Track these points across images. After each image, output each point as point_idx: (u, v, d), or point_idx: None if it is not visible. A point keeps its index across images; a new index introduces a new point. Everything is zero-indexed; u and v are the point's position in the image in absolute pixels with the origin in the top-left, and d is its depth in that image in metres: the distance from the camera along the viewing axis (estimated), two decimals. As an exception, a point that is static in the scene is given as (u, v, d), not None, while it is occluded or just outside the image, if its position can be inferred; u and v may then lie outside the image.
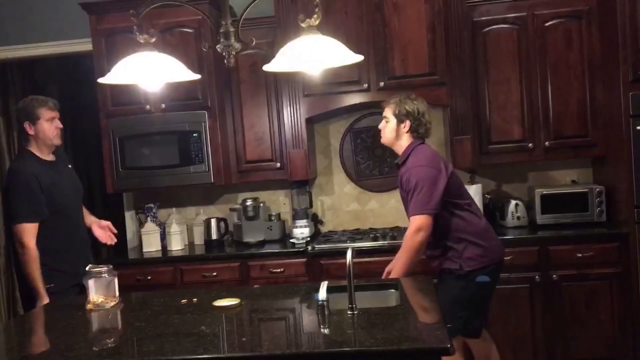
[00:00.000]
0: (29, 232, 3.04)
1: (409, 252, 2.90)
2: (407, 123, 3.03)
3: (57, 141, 3.24)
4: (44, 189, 3.10)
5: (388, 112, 3.08)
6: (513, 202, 3.90)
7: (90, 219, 3.44)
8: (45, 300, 3.02)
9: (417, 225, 2.87)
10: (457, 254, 2.95)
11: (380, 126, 3.15)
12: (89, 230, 3.41)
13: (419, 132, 3.04)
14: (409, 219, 2.96)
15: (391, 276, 2.93)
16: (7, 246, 4.49)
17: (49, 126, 3.16)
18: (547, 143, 3.82)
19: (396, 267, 2.95)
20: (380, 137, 3.17)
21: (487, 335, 3.21)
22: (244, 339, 2.15)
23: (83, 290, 2.98)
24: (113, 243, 3.42)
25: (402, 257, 2.93)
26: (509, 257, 3.56)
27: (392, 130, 3.07)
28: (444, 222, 2.95)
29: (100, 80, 2.39)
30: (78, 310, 2.56)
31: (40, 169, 3.13)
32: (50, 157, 3.24)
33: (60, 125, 3.24)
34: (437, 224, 2.92)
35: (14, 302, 4.75)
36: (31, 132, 3.16)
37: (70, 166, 3.41)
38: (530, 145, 3.83)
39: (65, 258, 3.17)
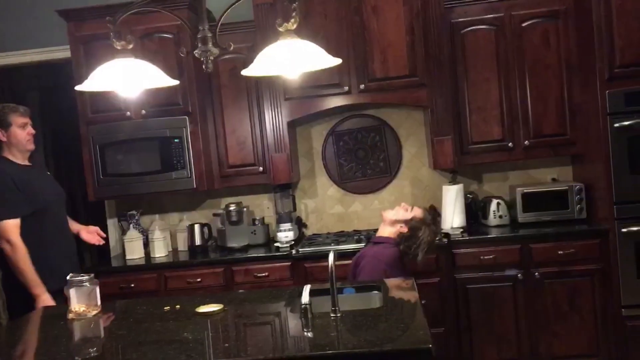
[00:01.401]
0: (12, 228, 3.06)
1: None
2: (405, 230, 3.00)
3: (31, 146, 3.27)
4: (20, 188, 3.12)
5: (417, 211, 3.07)
6: (495, 201, 3.94)
7: (76, 226, 3.46)
8: (44, 295, 3.05)
9: None
10: None
11: (405, 206, 3.12)
12: (76, 237, 3.44)
13: (400, 243, 3.00)
14: None
15: None
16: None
17: (21, 132, 3.20)
18: (526, 142, 3.86)
19: None
20: None
21: None
22: (227, 344, 2.14)
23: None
24: (101, 243, 3.48)
25: None
26: (491, 256, 3.61)
27: (397, 217, 3.05)
28: None
29: (78, 87, 2.37)
30: (59, 320, 2.53)
31: (14, 171, 3.17)
32: (26, 162, 3.27)
33: (32, 131, 3.26)
34: None
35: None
36: (4, 138, 3.20)
37: (49, 173, 3.41)
38: (510, 144, 3.87)
39: (51, 260, 3.18)
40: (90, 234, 3.44)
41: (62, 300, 3.00)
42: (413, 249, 2.98)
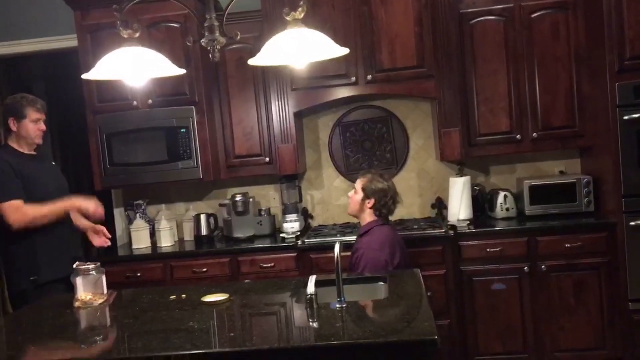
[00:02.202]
0: (14, 207, 3.02)
1: None
2: (372, 201, 3.02)
3: (39, 140, 3.26)
4: (17, 176, 3.09)
5: (358, 185, 3.08)
6: (502, 194, 3.92)
7: (84, 222, 3.40)
8: (69, 203, 3.12)
9: None
10: None
11: (349, 194, 3.14)
12: (84, 234, 3.40)
13: (381, 212, 3.03)
14: None
15: None
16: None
17: (32, 126, 3.20)
18: (534, 134, 3.83)
19: None
20: (348, 206, 3.15)
21: None
22: (232, 334, 2.14)
23: (70, 286, 2.98)
24: (107, 245, 3.39)
25: None
26: (497, 249, 3.60)
27: (357, 203, 3.07)
28: None
29: (84, 76, 2.37)
30: (66, 308, 2.54)
31: (15, 159, 3.14)
32: (30, 152, 3.25)
33: (44, 127, 3.25)
34: None
35: (2, 302, 4.71)
36: (14, 128, 3.19)
37: (54, 163, 3.39)
38: (518, 136, 3.85)
39: (48, 250, 3.15)
40: (97, 235, 3.36)
41: (61, 290, 3.04)
42: (392, 204, 3.03)
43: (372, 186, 3.03)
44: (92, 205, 3.18)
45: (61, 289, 3.05)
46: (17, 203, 3.03)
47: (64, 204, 3.13)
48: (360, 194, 3.05)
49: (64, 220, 3.27)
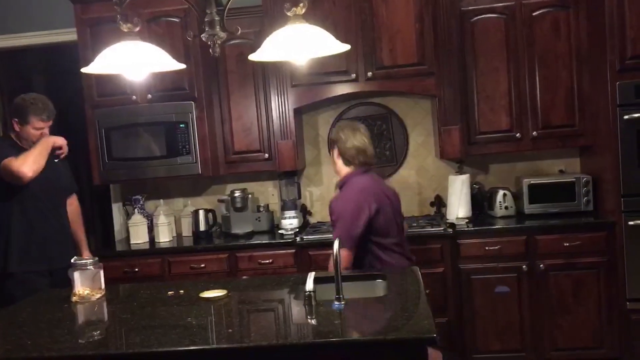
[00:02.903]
0: (10, 160, 3.04)
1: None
2: (335, 151, 2.95)
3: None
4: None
5: (331, 142, 3.03)
6: (501, 192, 3.92)
7: (80, 237, 3.48)
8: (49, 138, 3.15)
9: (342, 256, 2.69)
10: None
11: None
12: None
13: (351, 162, 2.91)
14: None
15: None
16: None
17: (34, 132, 3.18)
18: (534, 133, 3.83)
19: None
20: None
21: None
22: (230, 330, 2.14)
23: (56, 282, 2.97)
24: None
25: None
26: (496, 247, 3.60)
27: (332, 162, 3.02)
28: (360, 257, 2.86)
29: (84, 69, 2.36)
30: (63, 303, 2.53)
31: (13, 151, 3.12)
32: (28, 147, 3.22)
33: (47, 134, 3.23)
34: (356, 257, 2.84)
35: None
36: (17, 128, 3.21)
37: (56, 160, 3.30)
38: (518, 135, 3.84)
39: (33, 244, 3.16)
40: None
41: (40, 284, 3.07)
42: (346, 151, 2.90)
43: (332, 136, 2.99)
44: (60, 140, 3.26)
45: (45, 281, 3.06)
46: (11, 158, 3.06)
47: (42, 144, 3.13)
48: (332, 151, 2.99)
49: (57, 219, 3.27)
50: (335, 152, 2.96)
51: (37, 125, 3.17)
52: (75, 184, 3.57)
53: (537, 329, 3.63)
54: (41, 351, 1.97)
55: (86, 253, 3.43)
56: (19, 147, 3.19)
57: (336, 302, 2.21)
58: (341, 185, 2.97)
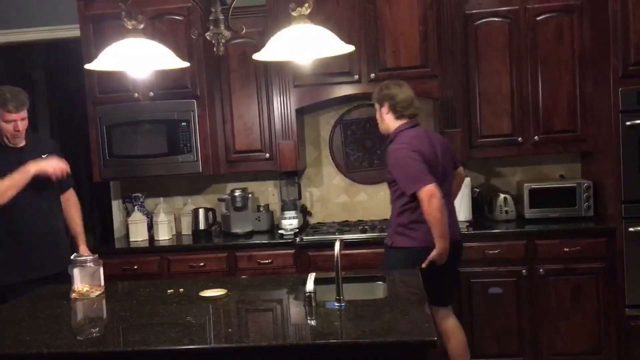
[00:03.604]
0: None
1: (435, 224, 2.93)
2: (385, 106, 3.13)
3: (15, 141, 3.07)
4: None
5: (373, 102, 3.22)
6: (501, 196, 3.92)
7: (78, 231, 3.33)
8: (30, 166, 2.96)
9: (425, 196, 2.91)
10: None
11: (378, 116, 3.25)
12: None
13: (398, 111, 3.11)
14: (392, 202, 3.14)
15: (435, 250, 2.94)
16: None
17: (5, 126, 3.01)
18: (536, 137, 3.82)
19: (435, 238, 2.94)
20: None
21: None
22: (230, 329, 2.13)
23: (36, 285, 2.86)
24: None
25: (435, 232, 2.95)
26: (496, 251, 3.59)
27: (379, 118, 3.21)
28: (397, 200, 3.09)
29: (88, 66, 2.36)
30: (62, 300, 2.53)
31: None
32: (15, 145, 3.08)
33: (19, 129, 3.02)
34: (394, 200, 3.11)
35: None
36: None
37: (44, 156, 3.12)
38: (519, 139, 3.84)
39: (15, 251, 3.01)
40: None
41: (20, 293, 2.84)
42: (400, 102, 3.10)
43: (379, 94, 3.15)
44: (49, 166, 3.02)
45: (34, 287, 2.84)
46: None
47: (20, 173, 2.94)
48: (377, 109, 3.18)
49: (44, 220, 3.12)
50: (385, 108, 3.13)
51: (6, 118, 2.98)
52: (72, 180, 3.37)
53: (536, 333, 3.62)
54: (40, 347, 1.96)
55: (83, 247, 3.28)
56: (2, 147, 3.05)
57: (336, 303, 2.21)
58: (392, 138, 3.13)
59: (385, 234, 3.26)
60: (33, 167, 2.98)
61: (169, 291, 2.56)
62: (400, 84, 3.18)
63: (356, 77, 3.77)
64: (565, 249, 3.57)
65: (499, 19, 3.80)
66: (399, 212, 3.09)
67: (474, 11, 3.82)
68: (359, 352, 1.90)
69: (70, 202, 3.36)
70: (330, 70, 3.64)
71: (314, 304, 2.19)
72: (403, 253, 3.05)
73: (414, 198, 2.98)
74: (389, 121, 3.15)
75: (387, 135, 3.22)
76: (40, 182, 3.03)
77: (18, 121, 3.01)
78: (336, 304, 2.21)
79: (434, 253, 2.95)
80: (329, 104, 4.13)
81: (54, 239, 3.17)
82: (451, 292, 3.26)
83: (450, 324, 3.23)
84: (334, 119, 4.26)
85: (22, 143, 3.12)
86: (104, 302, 2.52)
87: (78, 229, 3.35)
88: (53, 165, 3.04)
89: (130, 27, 2.23)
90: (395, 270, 2.75)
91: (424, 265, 2.92)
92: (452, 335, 3.21)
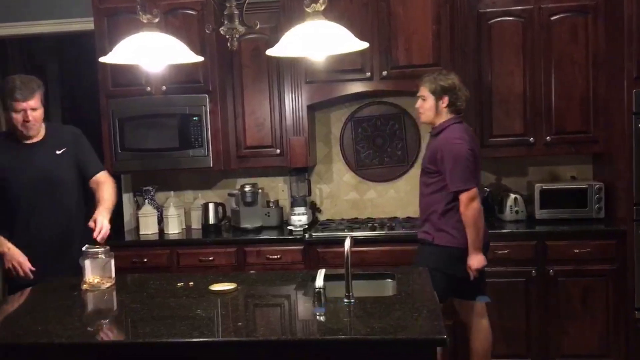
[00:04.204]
0: None
1: (471, 226, 2.99)
2: (446, 99, 3.09)
3: (28, 132, 2.93)
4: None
5: (425, 91, 3.13)
6: (512, 196, 3.90)
7: (101, 204, 2.97)
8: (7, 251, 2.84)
9: (466, 198, 2.98)
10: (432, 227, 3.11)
11: (418, 105, 3.19)
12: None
13: (457, 106, 3.11)
14: (428, 194, 3.12)
15: (471, 251, 3.01)
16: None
17: (15, 116, 2.88)
18: (548, 138, 3.81)
19: (470, 241, 3.00)
20: (419, 116, 3.23)
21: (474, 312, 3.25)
22: (239, 323, 2.14)
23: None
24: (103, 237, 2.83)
25: (469, 234, 3.00)
26: (505, 251, 3.58)
27: (431, 108, 3.13)
28: (438, 193, 3.07)
29: (102, 59, 2.37)
30: (73, 291, 2.55)
31: (3, 150, 2.93)
32: (27, 140, 2.96)
33: (29, 118, 2.88)
34: (433, 193, 3.08)
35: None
36: (6, 116, 2.98)
37: (58, 152, 3.00)
38: (531, 139, 3.82)
39: (30, 256, 2.89)
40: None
41: None
42: (462, 96, 3.12)
43: (439, 85, 3.09)
44: (7, 262, 2.89)
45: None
46: None
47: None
48: (431, 98, 3.10)
49: (49, 223, 2.96)
50: (446, 99, 3.08)
51: (15, 107, 2.85)
52: (95, 166, 3.15)
53: (544, 334, 3.61)
54: (51, 337, 1.98)
55: (101, 209, 2.92)
56: (13, 144, 2.93)
57: (345, 300, 2.21)
58: (439, 131, 3.10)
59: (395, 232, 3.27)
60: (12, 260, 2.86)
61: (179, 284, 2.58)
62: (453, 76, 3.15)
63: (368, 74, 3.76)
64: (575, 250, 3.56)
65: (513, 18, 3.79)
66: (444, 209, 3.06)
67: (487, 10, 3.80)
68: (368, 349, 1.90)
69: (100, 183, 3.09)
70: (343, 67, 3.63)
71: (323, 300, 2.19)
72: (445, 251, 3.06)
73: (455, 196, 3.00)
74: (442, 113, 3.11)
75: (431, 125, 3.19)
76: (44, 181, 2.93)
77: (28, 110, 2.87)
78: (345, 301, 2.21)
79: (470, 262, 3.03)
80: (340, 100, 4.13)
81: (66, 237, 2.98)
82: (485, 283, 3.25)
83: (483, 324, 3.23)
84: (345, 115, 4.26)
85: (39, 135, 2.99)
86: (114, 294, 2.54)
87: (101, 201, 3.00)
88: (11, 261, 2.88)
89: (145, 21, 2.24)
90: (432, 266, 2.81)
91: (472, 278, 3.03)
92: (481, 335, 3.22)
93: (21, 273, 2.89)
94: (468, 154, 3.00)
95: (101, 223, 2.81)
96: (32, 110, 2.89)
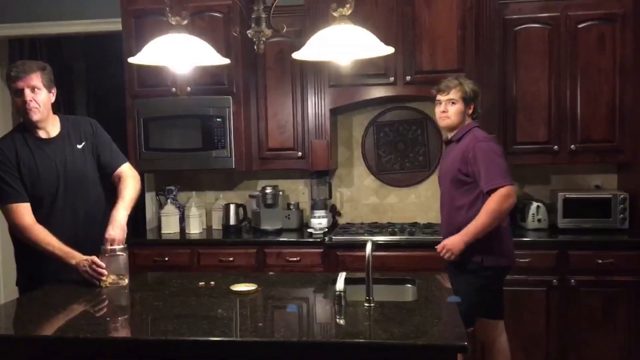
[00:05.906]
0: (18, 211, 2.64)
1: (492, 215, 2.84)
2: (473, 105, 3.08)
3: (31, 117, 2.67)
4: (23, 172, 2.69)
5: (456, 95, 3.04)
6: (534, 204, 3.87)
7: (120, 199, 2.79)
8: (78, 260, 2.59)
9: (506, 192, 2.85)
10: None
11: (443, 109, 3.08)
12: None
13: (478, 113, 3.13)
14: (458, 208, 2.99)
15: (462, 234, 2.91)
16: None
17: (17, 100, 2.68)
18: (572, 146, 3.77)
19: (470, 226, 2.89)
20: (443, 120, 3.10)
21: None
22: (259, 324, 2.16)
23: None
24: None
25: (481, 218, 2.86)
26: (527, 260, 3.55)
27: (460, 112, 3.06)
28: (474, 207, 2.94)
29: (131, 60, 2.40)
30: (95, 287, 2.56)
31: (22, 148, 2.72)
32: (42, 134, 2.76)
33: (28, 98, 2.63)
34: (471, 206, 2.95)
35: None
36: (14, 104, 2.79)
37: (79, 146, 2.83)
38: (555, 147, 3.79)
39: (40, 261, 2.70)
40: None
41: None
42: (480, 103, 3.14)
43: (471, 91, 3.05)
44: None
45: None
46: (15, 207, 2.64)
47: (65, 255, 2.62)
48: (461, 103, 3.05)
49: (71, 218, 2.79)
50: (472, 107, 3.07)
51: (14, 88, 2.63)
52: (117, 159, 2.96)
53: (564, 344, 3.58)
54: (77, 332, 2.02)
55: (119, 205, 2.75)
56: (30, 140, 2.73)
57: (366, 304, 2.22)
58: (461, 136, 3.05)
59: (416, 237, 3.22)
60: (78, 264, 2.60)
61: (200, 284, 2.60)
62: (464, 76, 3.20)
63: (392, 79, 3.77)
64: (598, 261, 3.52)
65: (540, 25, 3.76)
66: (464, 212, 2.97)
67: (514, 16, 3.78)
68: (388, 354, 1.89)
69: (122, 177, 2.90)
70: (367, 71, 3.64)
71: (343, 303, 2.20)
72: (496, 273, 2.98)
73: (485, 196, 2.88)
74: (466, 119, 3.08)
75: (451, 131, 3.11)
76: (77, 187, 2.81)
77: (26, 90, 2.62)
78: (366, 305, 2.21)
79: (448, 241, 2.95)
80: (362, 105, 4.13)
81: (91, 244, 2.72)
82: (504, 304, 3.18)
83: (503, 341, 3.14)
84: (367, 120, 4.26)
85: (54, 129, 2.78)
86: (136, 291, 2.56)
87: (120, 197, 2.82)
88: (86, 271, 2.59)
89: (174, 23, 2.27)
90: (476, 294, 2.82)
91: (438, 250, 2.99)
92: (502, 353, 3.14)
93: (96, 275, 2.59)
94: (501, 151, 2.96)
95: (112, 236, 2.64)
96: (30, 91, 2.64)
